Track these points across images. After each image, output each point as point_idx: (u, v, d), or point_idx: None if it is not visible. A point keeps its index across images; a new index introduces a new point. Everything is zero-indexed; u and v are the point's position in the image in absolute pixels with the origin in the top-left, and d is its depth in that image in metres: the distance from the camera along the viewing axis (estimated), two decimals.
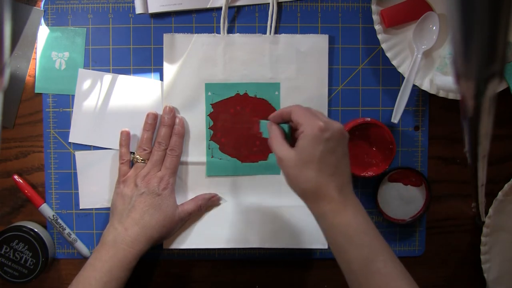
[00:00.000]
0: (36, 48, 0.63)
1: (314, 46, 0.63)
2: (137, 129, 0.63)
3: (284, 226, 0.63)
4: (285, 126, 0.54)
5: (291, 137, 0.54)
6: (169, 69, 0.63)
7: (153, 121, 0.62)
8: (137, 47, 0.64)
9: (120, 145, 0.62)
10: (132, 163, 0.62)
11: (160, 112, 0.62)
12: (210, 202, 0.63)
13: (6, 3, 0.29)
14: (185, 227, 0.63)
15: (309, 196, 0.49)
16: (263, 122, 0.57)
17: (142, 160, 0.60)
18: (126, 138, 0.62)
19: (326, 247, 0.62)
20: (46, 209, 0.64)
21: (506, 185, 0.63)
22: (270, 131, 0.53)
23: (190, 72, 0.63)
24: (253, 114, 0.63)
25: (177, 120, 0.62)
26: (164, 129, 0.61)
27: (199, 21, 0.63)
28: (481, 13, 0.26)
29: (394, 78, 0.64)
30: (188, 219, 0.62)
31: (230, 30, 0.63)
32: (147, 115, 0.62)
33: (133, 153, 0.62)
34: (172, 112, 0.62)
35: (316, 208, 0.49)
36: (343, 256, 0.48)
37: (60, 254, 0.65)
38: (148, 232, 0.57)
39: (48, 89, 0.64)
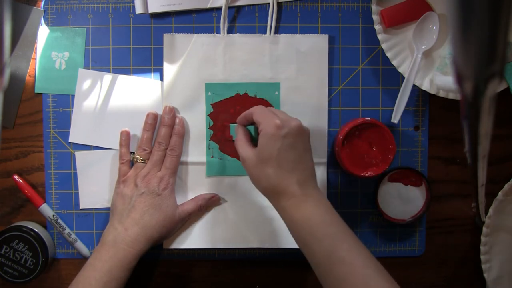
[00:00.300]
0: (36, 48, 0.63)
1: (314, 46, 0.63)
2: (137, 129, 0.63)
3: (284, 226, 0.62)
4: (251, 128, 0.56)
5: (257, 138, 0.55)
6: (169, 69, 0.63)
7: (153, 121, 0.62)
8: (137, 47, 0.64)
9: (120, 145, 0.62)
10: (132, 163, 0.62)
11: (160, 112, 0.62)
12: (210, 202, 0.63)
13: (6, 3, 0.29)
14: (185, 227, 0.63)
15: (270, 193, 0.51)
16: (232, 126, 0.60)
17: (142, 160, 0.60)
18: (126, 138, 0.62)
19: None
20: (46, 209, 0.64)
21: (506, 185, 0.63)
22: (236, 133, 0.56)
23: (190, 72, 0.63)
24: None
25: (177, 120, 0.62)
26: (164, 129, 0.61)
27: (199, 21, 0.63)
28: (481, 13, 0.26)
29: (394, 78, 0.64)
30: (188, 219, 0.62)
31: (230, 30, 0.63)
32: (147, 115, 0.62)
33: (133, 153, 0.62)
34: (172, 112, 0.62)
35: (278, 205, 0.51)
36: (307, 249, 0.49)
37: (60, 254, 0.65)
38: (148, 232, 0.57)
39: (48, 89, 0.64)
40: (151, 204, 0.58)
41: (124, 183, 0.60)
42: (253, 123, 0.56)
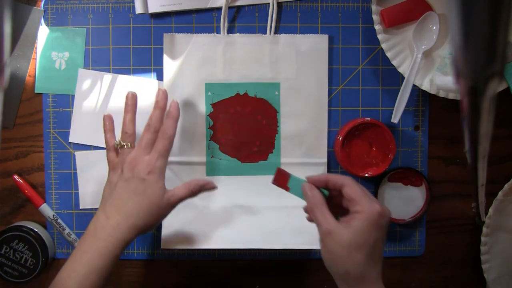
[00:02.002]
0: (36, 48, 0.63)
1: (314, 46, 0.63)
2: (137, 129, 0.63)
3: (284, 226, 0.63)
4: (324, 192, 0.51)
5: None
6: (169, 69, 0.63)
7: (132, 101, 0.59)
8: (137, 47, 0.64)
9: (104, 131, 0.59)
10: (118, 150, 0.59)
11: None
12: (204, 189, 0.58)
13: (6, 3, 0.29)
14: (185, 226, 0.63)
15: (350, 279, 0.47)
16: (296, 179, 0.52)
17: (126, 145, 0.57)
18: (109, 123, 0.59)
19: None
20: (46, 209, 0.64)
21: (506, 185, 0.63)
22: (312, 195, 0.50)
23: (190, 72, 0.63)
24: (253, 114, 0.63)
25: (171, 103, 0.58)
26: (156, 112, 0.57)
27: (199, 21, 0.63)
28: (481, 13, 0.26)
29: (394, 78, 0.64)
30: (179, 203, 0.57)
31: (230, 30, 0.63)
32: (126, 96, 0.59)
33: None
34: (165, 95, 0.58)
35: None
36: None
37: (60, 254, 0.65)
38: (131, 219, 0.54)
39: (48, 89, 0.64)
40: (135, 190, 0.54)
41: (113, 170, 0.57)
42: (327, 188, 0.51)
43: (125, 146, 0.57)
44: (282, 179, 0.53)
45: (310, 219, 0.51)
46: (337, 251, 0.47)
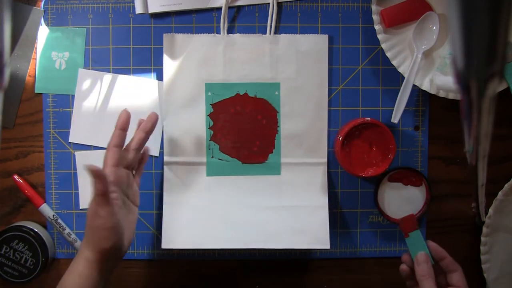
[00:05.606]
0: (36, 48, 0.63)
1: (314, 46, 0.63)
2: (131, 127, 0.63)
3: (284, 226, 0.63)
4: (431, 260, 0.56)
5: None
6: (169, 69, 0.63)
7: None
8: (137, 47, 0.64)
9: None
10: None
11: (158, 112, 0.62)
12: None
13: (6, 3, 0.29)
14: (185, 226, 0.63)
15: None
16: (419, 236, 0.57)
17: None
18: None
19: (326, 247, 0.62)
20: (46, 209, 0.64)
21: (506, 185, 0.63)
22: (427, 267, 0.55)
23: (190, 72, 0.63)
24: (253, 114, 0.63)
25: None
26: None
27: (199, 21, 0.63)
28: (481, 13, 0.26)
29: (394, 78, 0.64)
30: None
31: (230, 30, 0.63)
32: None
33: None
34: (155, 118, 0.57)
35: None
36: None
37: (60, 254, 0.65)
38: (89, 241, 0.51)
39: (48, 89, 0.64)
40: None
41: None
42: (437, 260, 0.57)
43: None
44: (408, 225, 0.58)
45: (405, 271, 0.58)
46: None
